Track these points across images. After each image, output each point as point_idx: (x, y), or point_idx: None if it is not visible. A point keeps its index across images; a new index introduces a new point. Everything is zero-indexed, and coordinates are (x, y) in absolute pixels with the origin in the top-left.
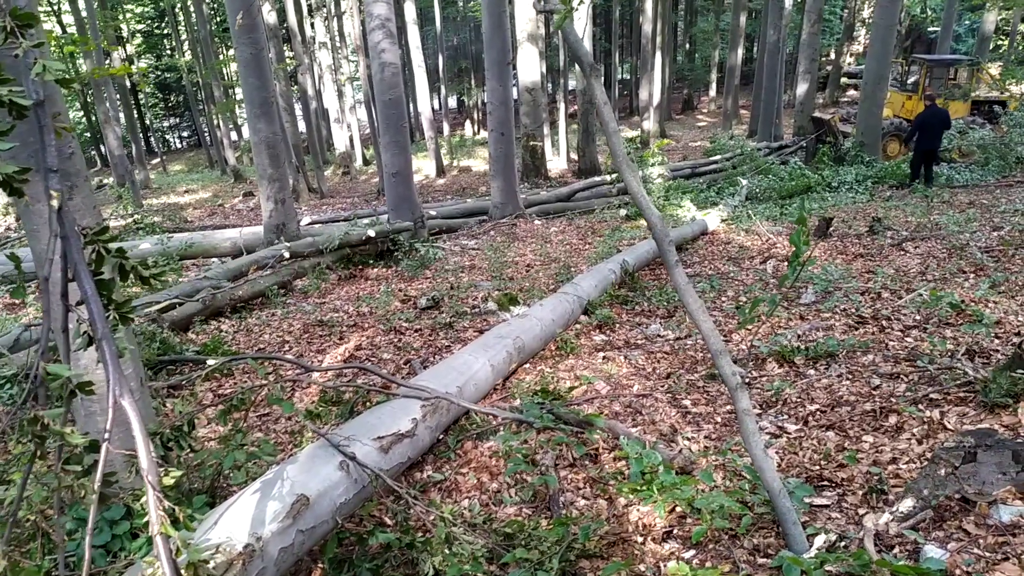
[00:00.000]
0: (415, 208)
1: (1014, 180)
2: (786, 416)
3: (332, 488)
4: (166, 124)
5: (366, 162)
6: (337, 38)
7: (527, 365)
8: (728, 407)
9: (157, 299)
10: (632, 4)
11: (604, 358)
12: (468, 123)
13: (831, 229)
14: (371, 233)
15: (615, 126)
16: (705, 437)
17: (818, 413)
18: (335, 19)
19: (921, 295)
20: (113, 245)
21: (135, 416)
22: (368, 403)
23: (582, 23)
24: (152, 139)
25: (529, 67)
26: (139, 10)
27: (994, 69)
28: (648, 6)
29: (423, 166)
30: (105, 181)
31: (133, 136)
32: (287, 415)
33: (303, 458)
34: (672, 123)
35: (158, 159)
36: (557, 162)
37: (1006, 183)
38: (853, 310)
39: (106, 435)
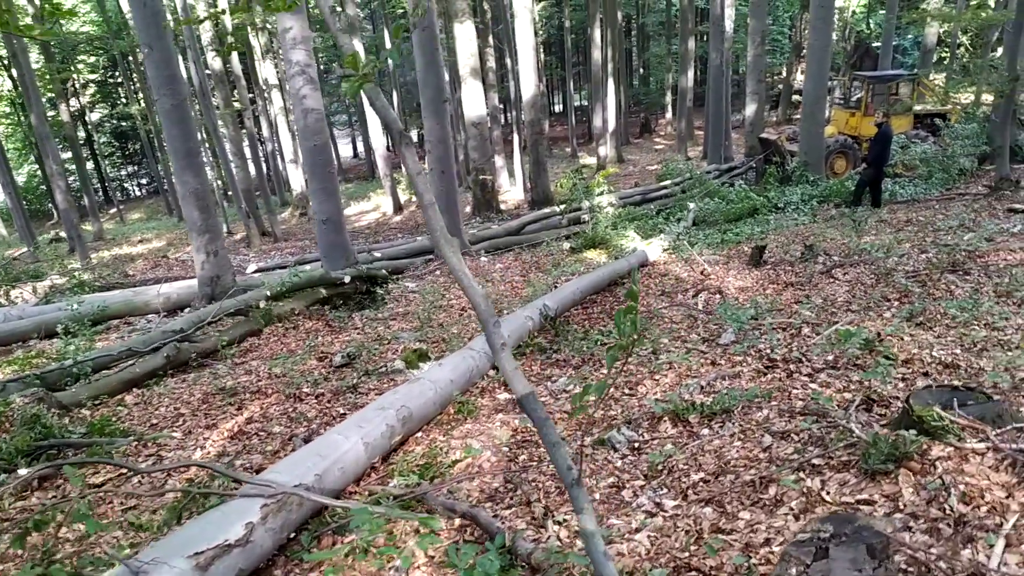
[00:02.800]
0: (349, 255)
1: (956, 193)
2: (666, 489)
3: None
4: (124, 172)
5: None
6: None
7: (420, 433)
8: (611, 479)
9: (108, 353)
10: (585, 31)
11: (501, 422)
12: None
13: (765, 257)
14: (346, 280)
15: (430, 198)
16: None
17: (700, 484)
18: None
19: (839, 330)
20: None
21: None
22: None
23: (529, 56)
24: (108, 189)
25: (474, 102)
26: (92, 60)
27: (939, 81)
28: (596, 34)
29: (381, 203)
30: (62, 234)
31: (85, 187)
32: (154, 512)
33: None
34: (630, 147)
35: (115, 209)
36: (514, 192)
37: (947, 197)
38: (768, 350)
39: None
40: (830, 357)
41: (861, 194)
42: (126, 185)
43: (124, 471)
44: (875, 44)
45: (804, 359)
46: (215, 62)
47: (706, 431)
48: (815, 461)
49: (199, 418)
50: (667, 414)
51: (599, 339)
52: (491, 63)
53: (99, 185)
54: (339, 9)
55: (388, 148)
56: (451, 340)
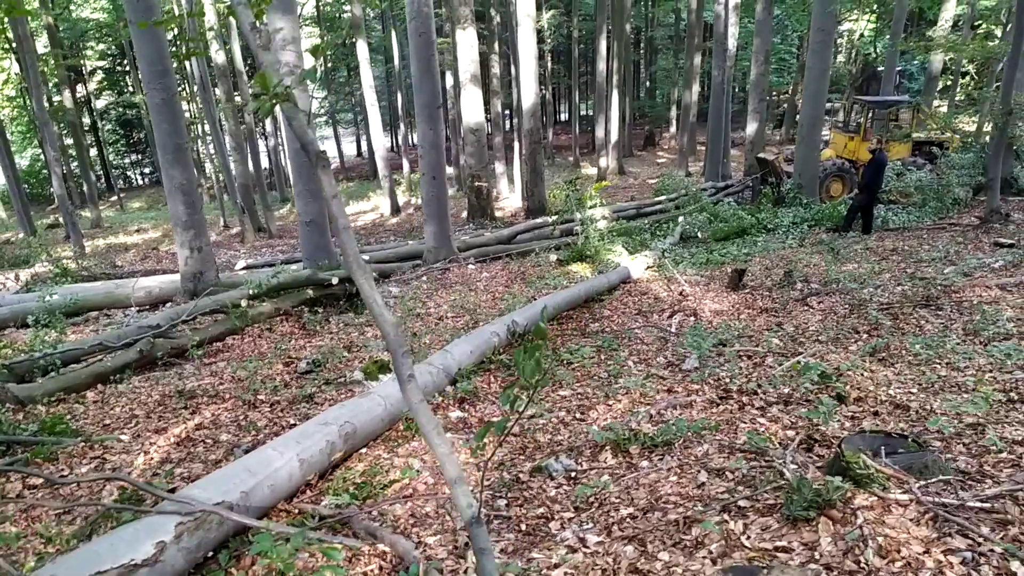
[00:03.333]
0: (331, 257)
1: (947, 223)
2: (592, 524)
3: None
4: (128, 160)
5: None
6: None
7: (365, 449)
8: (541, 509)
9: (80, 346)
10: (593, 43)
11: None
12: None
13: (746, 280)
14: (334, 281)
15: (344, 222)
16: (500, 551)
17: (627, 520)
18: None
19: (800, 362)
20: None
21: None
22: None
23: (531, 65)
24: (111, 176)
25: (473, 108)
26: (101, 47)
27: (943, 108)
28: (602, 46)
29: (380, 203)
30: (62, 219)
31: (85, 174)
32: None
33: None
34: (633, 159)
35: (116, 196)
36: (513, 199)
37: (939, 226)
38: (727, 379)
39: None
40: (785, 390)
41: (852, 220)
42: (129, 173)
43: (54, 476)
44: (882, 68)
45: (759, 391)
46: (219, 56)
47: (645, 463)
48: (742, 503)
49: (152, 421)
50: (609, 443)
51: (566, 357)
52: (496, 69)
53: (102, 172)
54: (347, 8)
55: (391, 149)
56: (420, 351)
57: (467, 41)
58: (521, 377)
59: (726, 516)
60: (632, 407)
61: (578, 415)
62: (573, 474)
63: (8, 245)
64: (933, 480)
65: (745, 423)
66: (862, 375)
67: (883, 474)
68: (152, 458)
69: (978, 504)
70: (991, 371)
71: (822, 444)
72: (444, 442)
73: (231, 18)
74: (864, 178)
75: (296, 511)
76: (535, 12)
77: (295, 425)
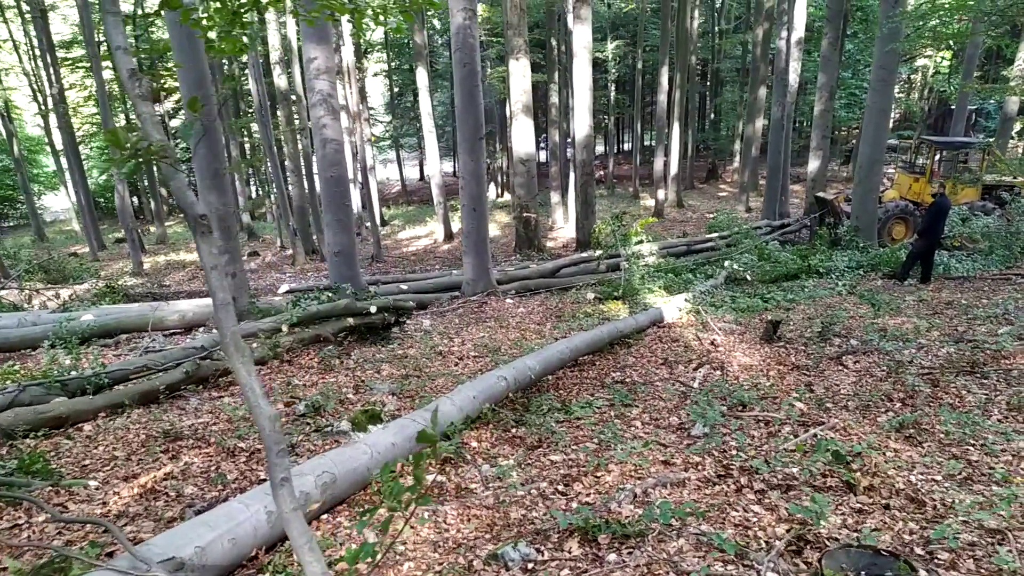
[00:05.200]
0: (359, 290)
1: (1012, 273)
2: None
3: None
4: None
5: (384, 222)
6: (354, 100)
7: (326, 516)
8: None
9: (125, 368)
10: (656, 74)
11: (415, 515)
12: (492, 185)
13: (784, 330)
14: (372, 309)
15: (223, 296)
16: None
17: None
18: (355, 82)
19: (816, 435)
20: None
21: None
22: None
23: (585, 97)
24: None
25: (523, 138)
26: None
27: (1021, 150)
28: (664, 78)
29: (435, 229)
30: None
31: (153, 191)
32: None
33: None
34: (693, 192)
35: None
36: (567, 229)
37: (1004, 276)
38: (734, 450)
39: None
40: (792, 470)
41: (910, 267)
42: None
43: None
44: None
45: (765, 470)
46: (280, 80)
47: (613, 556)
48: None
49: (129, 464)
50: (577, 530)
51: (575, 413)
52: (555, 99)
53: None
54: (413, 38)
55: (452, 174)
56: (427, 397)
57: (519, 71)
58: (385, 498)
59: None
60: (622, 481)
61: (561, 487)
62: (531, 565)
63: (74, 258)
64: None
65: (737, 511)
66: (882, 455)
67: None
68: (110, 510)
69: None
70: None
71: (815, 546)
72: (317, 560)
73: (297, 44)
74: (922, 223)
75: None
76: (591, 43)
77: (264, 480)
